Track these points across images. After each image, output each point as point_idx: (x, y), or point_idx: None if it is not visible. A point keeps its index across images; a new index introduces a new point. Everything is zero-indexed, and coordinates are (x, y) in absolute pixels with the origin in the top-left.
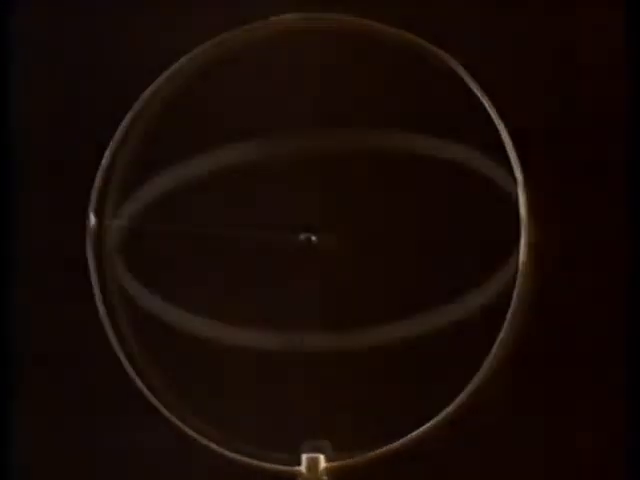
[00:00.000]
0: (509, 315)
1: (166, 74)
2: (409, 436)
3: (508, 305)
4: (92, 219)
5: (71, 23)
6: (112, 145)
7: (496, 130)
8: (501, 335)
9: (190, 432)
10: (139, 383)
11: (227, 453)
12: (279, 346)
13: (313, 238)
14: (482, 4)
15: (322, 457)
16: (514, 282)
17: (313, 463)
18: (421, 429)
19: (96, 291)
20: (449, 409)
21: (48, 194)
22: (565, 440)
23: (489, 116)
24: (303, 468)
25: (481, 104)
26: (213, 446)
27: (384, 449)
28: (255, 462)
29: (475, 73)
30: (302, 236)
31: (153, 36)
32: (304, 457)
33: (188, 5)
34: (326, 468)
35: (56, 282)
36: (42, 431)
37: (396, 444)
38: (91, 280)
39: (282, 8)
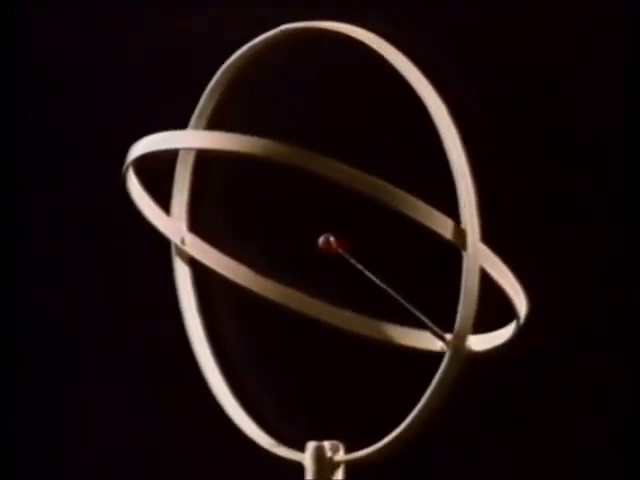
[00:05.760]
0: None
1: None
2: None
3: None
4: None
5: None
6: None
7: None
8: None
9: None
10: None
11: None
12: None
13: (331, 239)
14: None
15: (328, 446)
16: None
17: (319, 452)
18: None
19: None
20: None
21: (48, 193)
22: (564, 440)
23: None
24: (308, 456)
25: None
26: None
27: (392, 437)
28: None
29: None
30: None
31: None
32: (310, 445)
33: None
34: (333, 458)
35: (56, 281)
36: (42, 431)
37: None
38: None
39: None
